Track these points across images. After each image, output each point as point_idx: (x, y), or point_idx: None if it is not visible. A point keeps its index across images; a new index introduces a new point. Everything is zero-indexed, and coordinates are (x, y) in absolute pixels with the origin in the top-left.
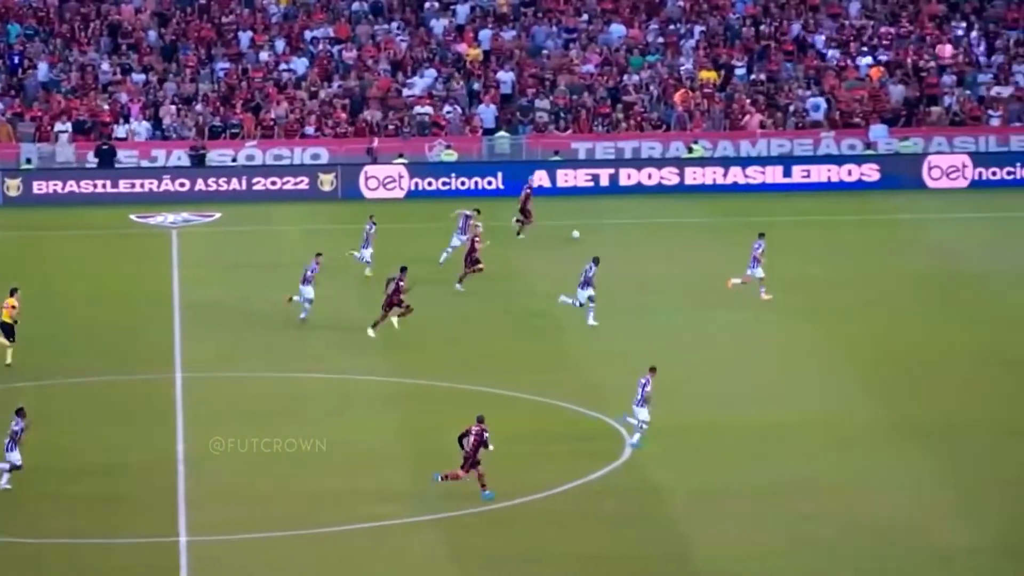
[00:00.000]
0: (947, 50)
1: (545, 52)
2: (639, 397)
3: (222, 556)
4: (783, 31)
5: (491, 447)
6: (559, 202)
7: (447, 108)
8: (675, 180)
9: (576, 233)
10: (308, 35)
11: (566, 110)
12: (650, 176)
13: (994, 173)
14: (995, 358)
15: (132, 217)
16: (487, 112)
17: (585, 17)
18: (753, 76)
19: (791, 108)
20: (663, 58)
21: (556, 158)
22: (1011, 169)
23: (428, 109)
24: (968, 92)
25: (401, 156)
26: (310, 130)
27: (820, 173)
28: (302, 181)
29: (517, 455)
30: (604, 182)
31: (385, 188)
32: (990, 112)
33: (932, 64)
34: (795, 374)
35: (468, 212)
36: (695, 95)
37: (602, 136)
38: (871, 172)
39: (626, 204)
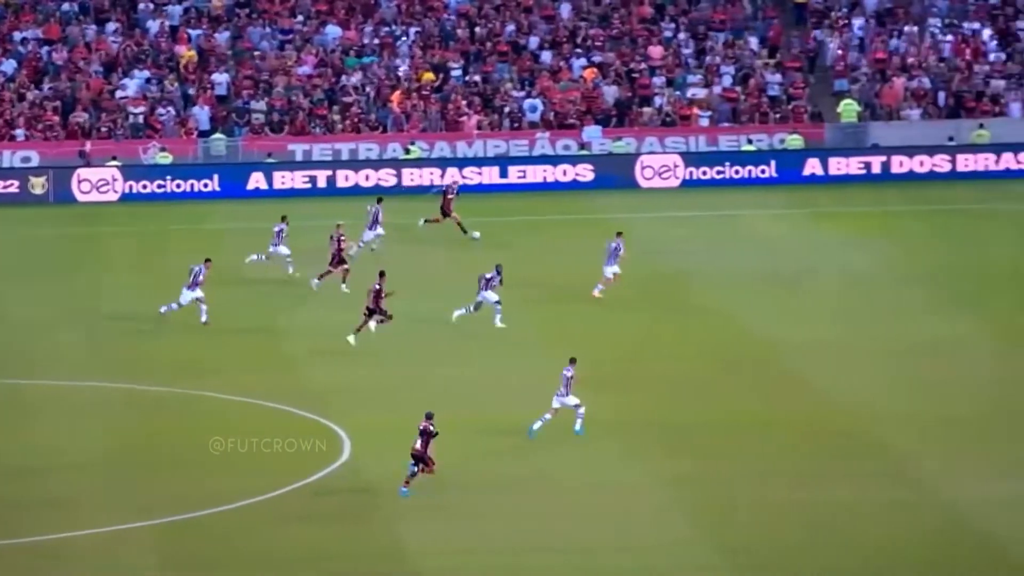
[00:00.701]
0: (657, 51)
1: (259, 53)
2: (563, 388)
3: None
4: (497, 32)
5: (436, 434)
6: (275, 204)
7: (161, 110)
8: (392, 181)
9: (476, 234)
10: (17, 36)
11: (282, 112)
12: (367, 177)
13: (704, 172)
14: (706, 356)
15: None
16: (202, 114)
17: (300, 18)
18: (469, 77)
19: (506, 109)
20: (379, 59)
21: (271, 160)
22: (720, 168)
23: (142, 110)
24: (678, 93)
25: (114, 159)
26: (20, 133)
27: (536, 173)
28: (12, 184)
29: (235, 458)
30: (321, 184)
31: (98, 191)
32: (699, 112)
33: (643, 65)
34: (530, 371)
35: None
36: (412, 96)
37: (319, 138)
38: (585, 172)
39: (345, 206)
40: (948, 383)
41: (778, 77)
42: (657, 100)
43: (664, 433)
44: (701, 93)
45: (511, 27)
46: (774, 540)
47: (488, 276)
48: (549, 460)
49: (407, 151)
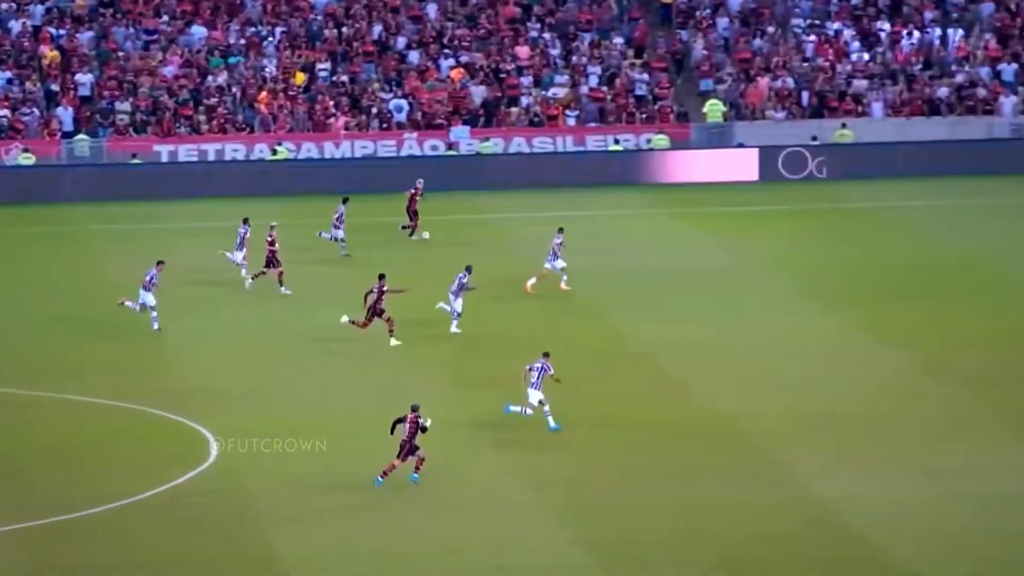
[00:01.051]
0: (524, 52)
1: (123, 54)
2: (535, 380)
3: None
4: (364, 33)
5: (426, 428)
6: (137, 207)
7: (24, 111)
8: (259, 183)
9: (426, 234)
10: None
11: (147, 112)
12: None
13: (571, 173)
14: (576, 354)
15: None
16: (66, 115)
17: (165, 18)
18: (336, 78)
19: (374, 110)
20: (246, 59)
21: (136, 161)
22: (588, 168)
23: (4, 112)
24: (544, 93)
25: None
26: None
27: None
28: None
29: (100, 461)
30: None
31: None
32: (567, 112)
33: (511, 65)
34: (392, 372)
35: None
36: (279, 97)
37: (185, 138)
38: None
39: (212, 208)
40: (819, 381)
41: (644, 77)
42: (524, 100)
43: (534, 432)
44: (551, 92)
45: (378, 27)
46: (644, 538)
47: (462, 277)
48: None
49: (274, 152)
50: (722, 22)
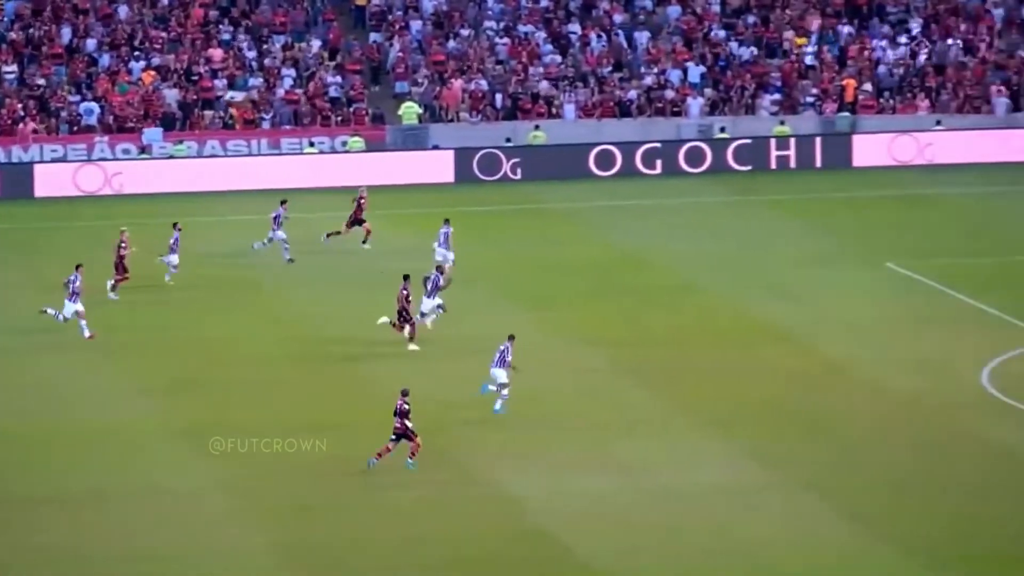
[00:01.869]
0: (218, 54)
1: None
2: (496, 359)
3: None
4: (53, 35)
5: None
6: None
7: None
8: None
9: (367, 245)
10: None
11: None
12: None
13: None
14: (278, 358)
15: None
16: None
17: None
18: (25, 81)
19: (64, 113)
20: None
21: None
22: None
23: None
24: (241, 96)
25: None
26: None
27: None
28: None
29: None
30: None
31: None
32: (263, 116)
33: (204, 68)
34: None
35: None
36: None
37: None
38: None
39: None
40: (514, 380)
41: (339, 79)
42: (219, 103)
43: (226, 435)
44: (240, 97)
45: (67, 29)
46: (335, 539)
47: (432, 278)
48: (108, 471)
49: None
50: (416, 24)
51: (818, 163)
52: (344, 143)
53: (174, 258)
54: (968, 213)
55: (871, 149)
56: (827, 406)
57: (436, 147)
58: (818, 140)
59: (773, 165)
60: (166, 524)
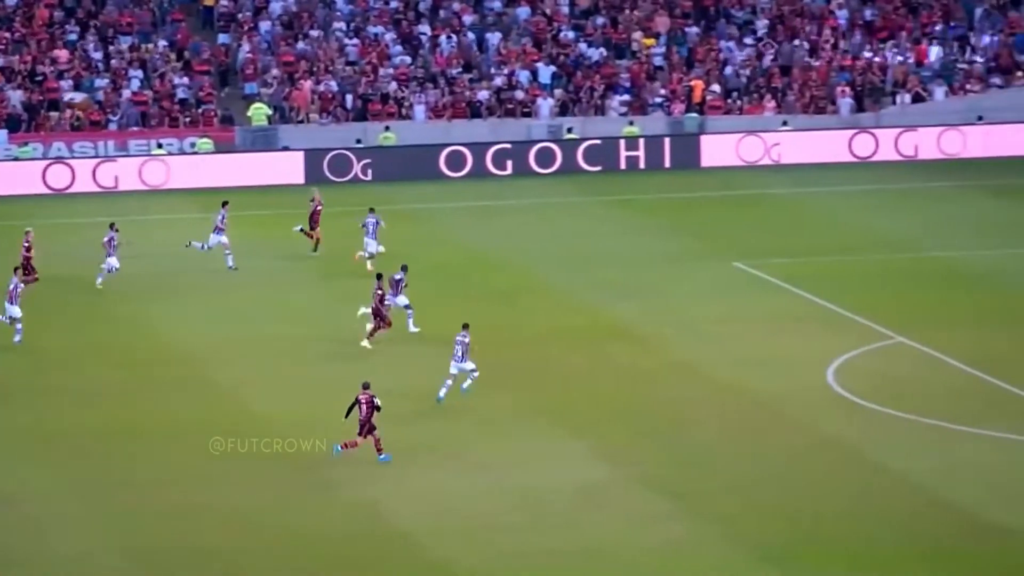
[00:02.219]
0: (64, 55)
1: None
2: (460, 354)
3: None
4: None
5: (380, 408)
6: None
7: None
8: None
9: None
10: None
11: None
12: None
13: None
14: (115, 363)
15: None
16: None
17: None
18: None
19: None
20: None
21: None
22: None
23: None
24: (88, 96)
25: None
26: None
27: None
28: None
29: None
30: None
31: None
32: (110, 117)
33: (50, 69)
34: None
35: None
36: None
37: None
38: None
39: None
40: (353, 379)
41: (187, 80)
42: (65, 104)
43: (71, 439)
44: (79, 98)
45: None
46: (182, 543)
47: (398, 278)
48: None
49: None
50: (265, 25)
51: (667, 163)
52: (193, 144)
53: (113, 260)
54: (813, 213)
55: (719, 149)
56: (676, 405)
57: (286, 148)
58: (667, 141)
59: (623, 165)
60: (16, 528)
